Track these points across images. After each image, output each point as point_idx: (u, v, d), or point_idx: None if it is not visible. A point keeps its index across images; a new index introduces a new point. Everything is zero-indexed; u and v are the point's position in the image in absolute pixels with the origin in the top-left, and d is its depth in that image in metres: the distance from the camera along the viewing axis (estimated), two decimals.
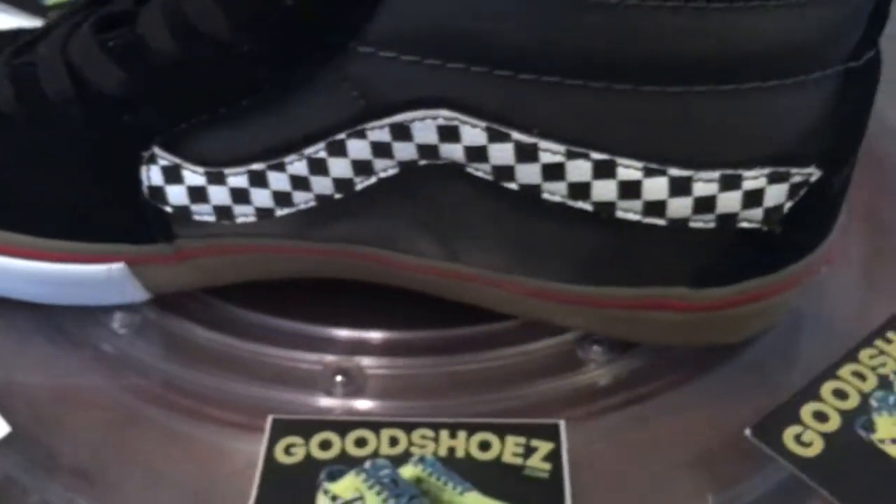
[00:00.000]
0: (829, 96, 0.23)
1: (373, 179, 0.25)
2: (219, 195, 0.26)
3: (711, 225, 0.24)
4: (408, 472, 0.25)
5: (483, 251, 0.26)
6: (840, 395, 0.27)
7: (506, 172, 0.24)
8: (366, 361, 0.30)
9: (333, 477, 0.25)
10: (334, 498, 0.25)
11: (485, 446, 0.26)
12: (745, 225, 0.24)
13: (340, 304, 0.31)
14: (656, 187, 0.23)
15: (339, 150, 0.24)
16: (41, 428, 0.28)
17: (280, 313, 0.31)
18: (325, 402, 0.29)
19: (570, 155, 0.23)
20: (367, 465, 0.26)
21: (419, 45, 0.22)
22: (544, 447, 0.26)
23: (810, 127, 0.23)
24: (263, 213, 0.26)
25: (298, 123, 0.24)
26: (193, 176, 0.25)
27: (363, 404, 0.29)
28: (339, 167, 0.24)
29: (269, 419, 0.27)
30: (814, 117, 0.23)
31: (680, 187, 0.23)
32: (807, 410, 0.27)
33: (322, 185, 0.25)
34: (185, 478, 0.27)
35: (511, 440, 0.26)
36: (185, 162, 0.25)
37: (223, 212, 0.26)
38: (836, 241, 0.28)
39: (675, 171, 0.23)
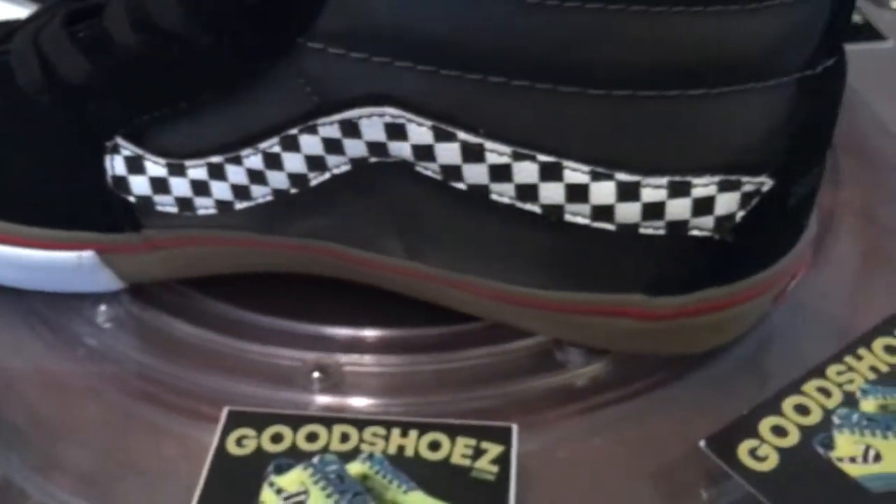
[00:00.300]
0: (783, 105, 0.22)
1: (326, 175, 0.25)
2: (180, 187, 0.26)
3: (662, 231, 0.24)
4: (355, 468, 0.25)
5: (437, 250, 0.26)
6: (802, 410, 0.27)
7: (453, 172, 0.24)
8: (344, 358, 0.30)
9: (281, 470, 0.26)
10: (279, 491, 0.25)
11: (435, 446, 0.26)
12: (696, 233, 0.24)
13: (321, 301, 0.31)
14: (604, 192, 0.23)
15: (292, 145, 0.24)
16: (33, 427, 0.28)
17: (262, 309, 0.31)
18: (303, 398, 0.29)
19: (517, 156, 0.23)
20: (316, 459, 0.26)
21: (367, 43, 0.22)
22: (494, 450, 0.26)
23: (762, 136, 0.23)
24: (223, 206, 0.26)
25: (254, 118, 0.24)
26: (155, 167, 0.26)
27: (340, 401, 0.29)
28: (293, 162, 0.25)
29: (225, 411, 0.27)
30: (766, 126, 0.23)
31: (628, 192, 0.23)
32: (766, 424, 0.26)
33: (278, 179, 0.25)
34: (178, 473, 0.27)
35: (462, 441, 0.26)
36: (148, 153, 0.26)
37: (185, 203, 0.26)
38: (806, 252, 0.28)
39: (622, 176, 0.23)
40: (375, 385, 0.30)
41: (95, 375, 0.30)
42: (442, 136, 0.23)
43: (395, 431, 0.27)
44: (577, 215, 0.24)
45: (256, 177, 0.25)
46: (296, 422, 0.27)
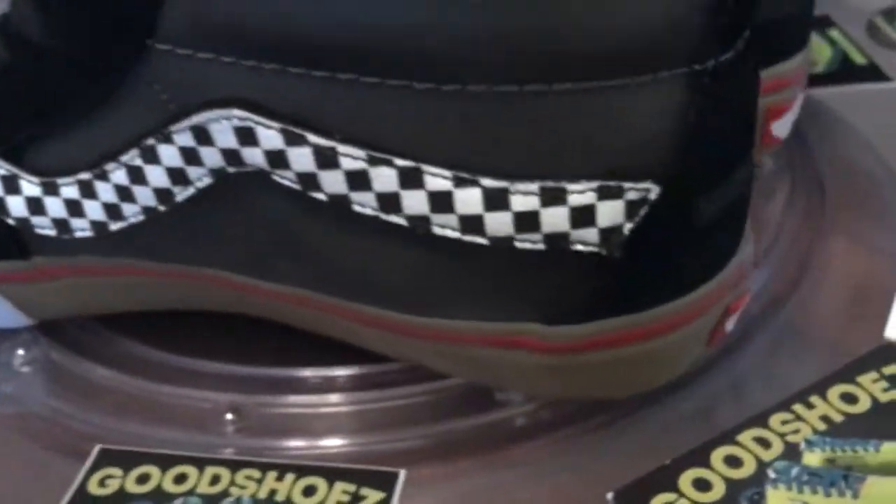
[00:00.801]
0: (667, 104, 0.20)
1: (191, 190, 0.23)
2: (54, 207, 0.25)
3: (541, 246, 0.21)
4: None
5: (317, 273, 0.23)
6: (733, 461, 0.23)
7: (311, 181, 0.22)
8: (260, 399, 0.28)
9: None
10: None
11: (310, 491, 0.24)
12: (581, 248, 0.21)
13: (241, 339, 0.29)
14: (470, 200, 0.21)
15: (152, 156, 0.23)
16: None
17: (179, 350, 0.30)
18: (217, 440, 0.27)
19: (373, 161, 0.21)
20: (177, 502, 0.23)
21: (212, 42, 0.21)
22: (373, 497, 0.23)
23: (643, 137, 0.20)
24: (99, 228, 0.25)
25: (116, 130, 0.23)
26: (30, 186, 0.25)
27: (257, 443, 0.27)
28: (156, 175, 0.23)
29: (96, 448, 0.25)
30: (648, 127, 0.20)
31: (496, 200, 0.21)
32: (688, 476, 0.23)
33: (144, 195, 0.24)
34: None
35: (340, 486, 0.24)
36: (23, 172, 0.25)
37: (61, 225, 0.25)
38: (741, 284, 0.25)
39: (488, 182, 0.20)
40: (294, 426, 0.27)
41: (11, 419, 0.29)
42: (292, 139, 0.21)
43: (271, 474, 0.24)
44: (446, 227, 0.21)
45: (124, 193, 0.24)
46: (166, 462, 0.25)
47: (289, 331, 0.28)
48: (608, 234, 0.21)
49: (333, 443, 0.27)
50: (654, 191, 0.20)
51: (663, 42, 0.19)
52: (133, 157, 0.23)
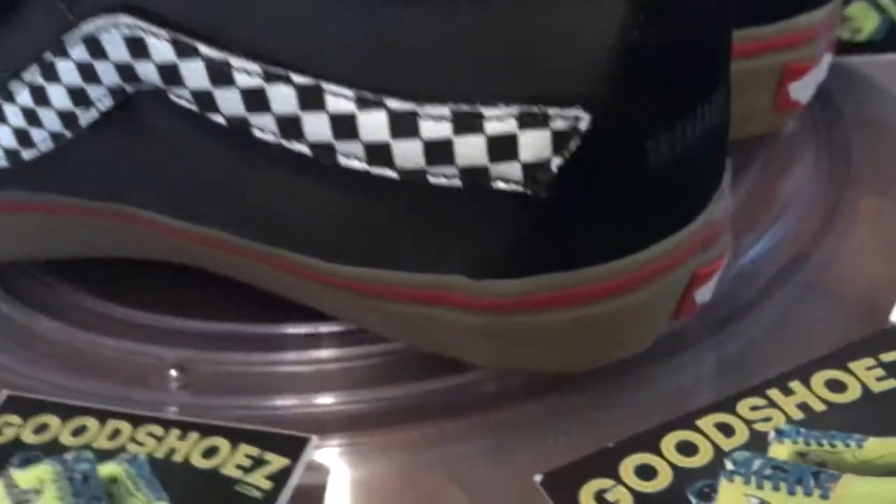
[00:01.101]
0: (602, 20, 0.17)
1: (94, 113, 0.21)
2: None
3: (457, 183, 0.18)
4: (107, 469, 0.21)
5: (220, 210, 0.21)
6: (687, 448, 0.20)
7: (207, 101, 0.19)
8: (207, 356, 0.26)
9: (26, 463, 0.21)
10: (12, 486, 0.21)
11: (211, 452, 0.21)
12: (502, 186, 0.18)
13: (189, 292, 0.27)
14: (375, 124, 0.18)
15: (52, 73, 0.21)
16: None
17: (125, 302, 0.28)
18: (159, 397, 0.25)
19: (269, 77, 0.18)
20: (69, 455, 0.21)
21: None
22: (277, 463, 0.21)
23: (574, 55, 0.17)
24: (12, 156, 0.23)
25: (20, 44, 0.21)
26: None
27: (199, 401, 0.25)
28: (58, 96, 0.21)
29: (3, 394, 0.23)
30: (580, 42, 0.17)
31: (403, 125, 0.18)
32: (632, 461, 0.20)
33: (50, 119, 0.22)
34: None
35: (243, 450, 0.21)
36: None
37: None
38: (717, 245, 0.21)
39: (394, 104, 0.18)
40: (242, 385, 0.25)
41: None
42: (183, 51, 0.19)
43: (174, 432, 0.22)
44: (352, 157, 0.19)
45: (31, 117, 0.22)
46: (67, 412, 0.23)
47: (240, 285, 0.26)
48: (533, 170, 0.18)
49: (283, 402, 0.25)
50: (583, 119, 0.17)
51: None
52: (35, 74, 0.21)
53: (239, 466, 0.21)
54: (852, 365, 0.22)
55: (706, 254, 0.21)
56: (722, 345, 0.25)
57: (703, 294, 0.22)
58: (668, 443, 0.20)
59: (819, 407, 0.21)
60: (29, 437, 0.22)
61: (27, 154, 0.23)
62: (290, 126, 0.19)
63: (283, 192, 0.20)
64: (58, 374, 0.26)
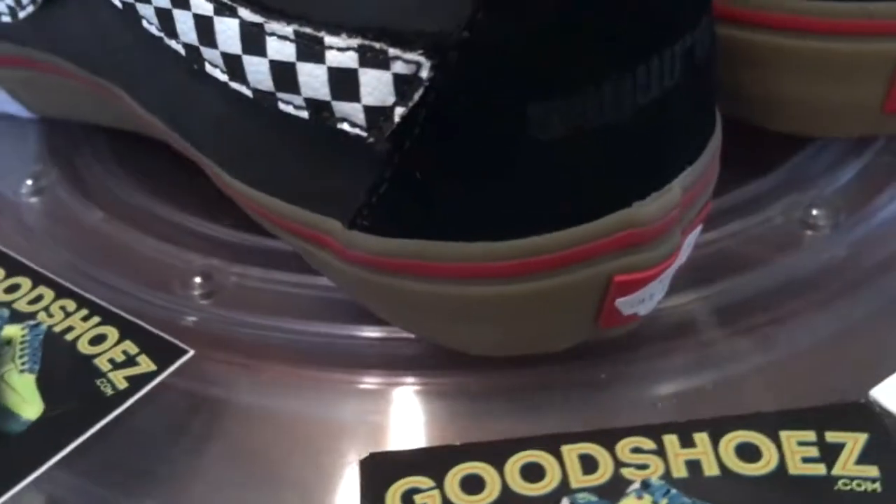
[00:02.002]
0: None
1: None
2: None
3: (304, 114, 0.16)
4: (10, 331, 0.22)
5: (161, 105, 0.21)
6: (532, 471, 0.18)
7: None
8: (235, 268, 0.25)
9: None
10: None
11: (98, 340, 0.22)
12: (347, 128, 0.16)
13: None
14: (228, 33, 0.17)
15: None
16: None
17: (170, 201, 0.27)
18: (179, 304, 0.24)
19: None
20: None
21: None
22: (145, 367, 0.21)
23: None
24: (11, 12, 0.24)
25: None
26: None
27: (220, 313, 0.24)
28: None
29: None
30: None
31: (251, 39, 0.16)
32: (462, 470, 0.18)
33: None
34: None
35: (126, 345, 0.21)
36: None
37: None
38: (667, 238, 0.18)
39: (245, 14, 0.16)
40: (265, 303, 0.24)
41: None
42: None
43: (82, 312, 0.22)
44: (216, 67, 0.17)
45: None
46: (36, 280, 0.23)
47: None
48: (375, 116, 0.16)
49: (309, 328, 0.23)
50: (424, 67, 0.15)
51: None
52: None
53: (111, 361, 0.21)
54: (785, 434, 0.18)
55: (626, 259, 0.18)
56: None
57: (633, 305, 0.19)
58: (517, 461, 0.18)
59: (712, 471, 0.17)
60: None
61: (22, 12, 0.23)
62: (165, 21, 0.18)
63: (179, 88, 0.19)
64: (82, 259, 0.26)
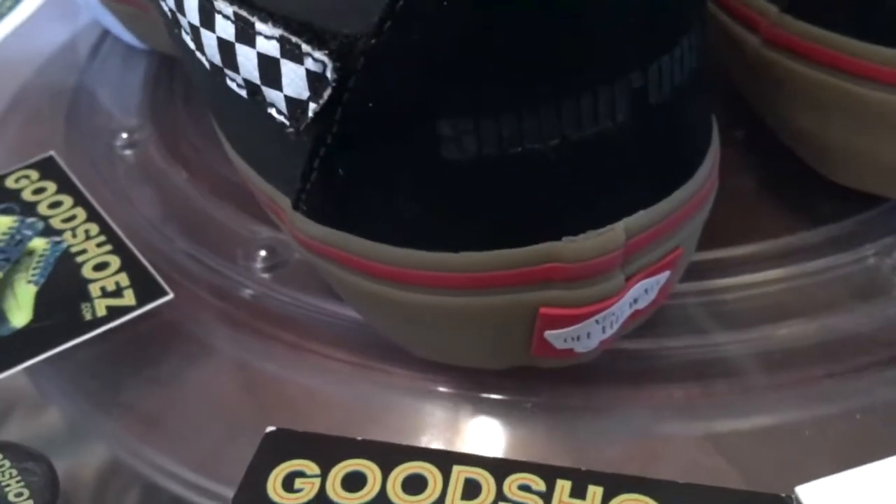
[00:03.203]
0: None
1: None
2: None
3: (244, 93, 0.17)
4: (37, 242, 0.24)
5: None
6: (415, 483, 0.18)
7: None
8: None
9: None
10: None
11: (101, 267, 0.23)
12: (275, 114, 0.16)
13: None
14: (191, 3, 0.17)
15: None
16: None
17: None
18: (241, 274, 0.24)
19: None
20: (28, 218, 0.25)
21: None
22: (127, 300, 0.22)
23: None
24: None
25: None
26: None
27: (277, 287, 0.24)
28: None
29: (50, 153, 0.27)
30: None
31: (205, 14, 0.17)
32: (346, 467, 0.18)
33: None
34: None
35: (121, 276, 0.23)
36: None
37: None
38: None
39: None
40: (325, 285, 0.23)
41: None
42: None
43: (99, 238, 0.24)
44: (187, 35, 0.18)
45: None
46: (79, 198, 0.25)
47: None
48: (294, 107, 0.16)
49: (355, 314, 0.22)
50: (328, 67, 0.15)
51: None
52: None
53: (102, 288, 0.22)
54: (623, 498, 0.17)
55: (552, 293, 0.17)
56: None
57: (566, 341, 0.18)
58: (404, 470, 0.18)
59: None
60: (28, 194, 0.26)
61: None
62: None
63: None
64: (157, 214, 0.26)
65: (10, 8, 0.36)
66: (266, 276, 0.24)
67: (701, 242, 0.22)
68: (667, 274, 0.18)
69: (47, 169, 0.26)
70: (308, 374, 0.22)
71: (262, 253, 0.24)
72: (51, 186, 0.26)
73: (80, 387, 0.22)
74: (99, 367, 0.22)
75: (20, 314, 0.22)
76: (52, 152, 0.27)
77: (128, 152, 0.29)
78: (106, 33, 0.33)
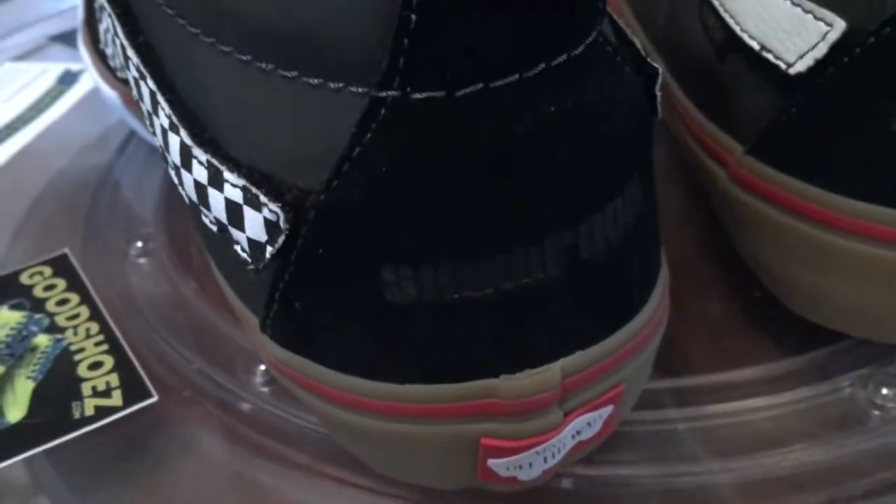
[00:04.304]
0: (338, 121, 0.15)
1: None
2: None
3: (214, 229, 0.18)
4: (40, 339, 0.26)
5: None
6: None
7: None
8: None
9: (11, 306, 0.27)
10: None
11: (95, 367, 0.25)
12: (239, 250, 0.18)
13: None
14: (175, 147, 0.19)
15: None
16: None
17: None
18: (240, 387, 0.25)
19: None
20: (35, 315, 0.26)
21: None
22: (114, 401, 0.24)
23: (300, 146, 0.16)
24: None
25: None
26: None
27: (274, 402, 0.25)
28: None
29: (64, 251, 0.29)
30: (308, 135, 0.16)
31: (184, 158, 0.18)
32: None
33: None
34: None
35: (110, 377, 0.24)
36: None
37: None
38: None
39: (183, 134, 0.18)
40: None
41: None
42: None
43: (98, 337, 0.26)
44: (170, 168, 0.20)
45: None
46: (85, 297, 0.27)
47: None
48: (254, 249, 0.17)
49: None
50: (281, 218, 0.16)
51: (350, 50, 0.15)
52: None
53: (93, 388, 0.24)
54: None
55: (492, 425, 0.18)
56: None
57: (509, 469, 0.19)
58: None
59: None
60: (39, 291, 0.27)
61: None
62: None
63: None
64: (162, 321, 0.27)
65: (48, 104, 0.39)
66: (265, 389, 0.25)
67: (671, 368, 0.22)
68: (610, 408, 0.19)
69: (59, 266, 0.28)
70: (295, 486, 0.23)
71: (262, 367, 0.25)
72: (61, 283, 0.27)
73: (69, 482, 0.24)
74: (87, 463, 0.24)
75: (16, 410, 0.23)
76: (66, 250, 0.29)
77: (142, 261, 0.30)
78: (133, 133, 0.36)
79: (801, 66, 0.21)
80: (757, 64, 0.22)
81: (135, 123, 0.33)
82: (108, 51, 0.31)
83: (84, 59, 0.34)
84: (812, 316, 0.24)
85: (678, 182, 0.30)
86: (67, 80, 0.40)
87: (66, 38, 0.43)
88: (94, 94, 0.37)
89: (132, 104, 0.31)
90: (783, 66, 0.21)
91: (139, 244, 0.31)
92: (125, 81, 0.31)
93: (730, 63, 0.24)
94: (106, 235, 0.31)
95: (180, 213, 0.31)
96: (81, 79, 0.40)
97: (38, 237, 0.32)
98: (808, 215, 0.22)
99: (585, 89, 0.16)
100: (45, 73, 0.41)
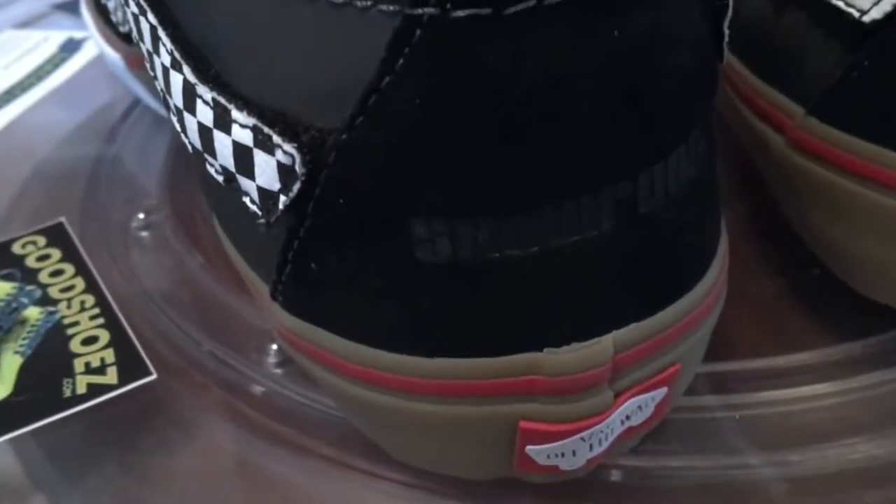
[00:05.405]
0: (372, 47, 0.13)
1: None
2: None
3: (220, 178, 0.16)
4: (31, 312, 0.24)
5: None
6: None
7: None
8: None
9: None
10: None
11: (90, 341, 0.23)
12: (248, 202, 0.16)
13: None
14: (176, 86, 0.17)
15: None
16: None
17: None
18: (252, 367, 0.23)
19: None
20: (27, 286, 0.24)
21: None
22: (109, 378, 0.22)
23: (324, 77, 0.14)
24: None
25: None
26: None
27: (286, 383, 0.23)
28: None
29: (60, 219, 0.27)
30: (335, 65, 0.14)
31: (189, 97, 0.16)
32: None
33: None
34: None
35: (106, 353, 0.22)
36: None
37: None
38: None
39: (187, 71, 0.16)
40: None
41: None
42: None
43: (93, 311, 0.24)
44: (171, 114, 0.17)
45: None
46: (80, 267, 0.25)
47: None
48: (265, 198, 0.15)
49: None
50: (297, 161, 0.14)
51: None
52: None
53: (87, 364, 0.22)
54: None
55: (533, 406, 0.16)
56: None
57: (549, 458, 0.17)
58: None
59: None
60: (31, 261, 0.25)
61: None
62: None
63: None
64: (169, 298, 0.25)
65: (49, 72, 0.37)
66: (277, 371, 0.23)
67: (723, 352, 0.20)
68: (664, 390, 0.17)
69: (54, 236, 0.26)
70: (307, 474, 0.21)
71: (274, 347, 0.23)
72: (55, 254, 0.25)
73: (60, 466, 0.22)
74: (80, 445, 0.22)
75: (1, 386, 0.21)
76: (62, 218, 0.27)
77: (144, 234, 0.28)
78: (137, 101, 0.34)
79: (876, 13, 0.19)
80: (822, 14, 0.20)
81: (138, 88, 0.31)
82: (111, 4, 0.29)
83: (85, 19, 0.32)
84: (878, 295, 0.22)
85: (722, 155, 0.28)
86: (70, 47, 0.38)
87: (71, 7, 0.41)
88: (98, 61, 0.35)
89: (136, 65, 0.29)
90: (856, 13, 0.19)
91: (141, 216, 0.29)
92: (128, 38, 0.29)
93: (789, 16, 0.22)
94: (107, 207, 0.29)
95: (186, 185, 0.30)
96: (85, 46, 0.38)
97: (36, 207, 0.30)
98: (879, 181, 0.20)
99: (650, 15, 0.14)
100: (47, 40, 0.39)
